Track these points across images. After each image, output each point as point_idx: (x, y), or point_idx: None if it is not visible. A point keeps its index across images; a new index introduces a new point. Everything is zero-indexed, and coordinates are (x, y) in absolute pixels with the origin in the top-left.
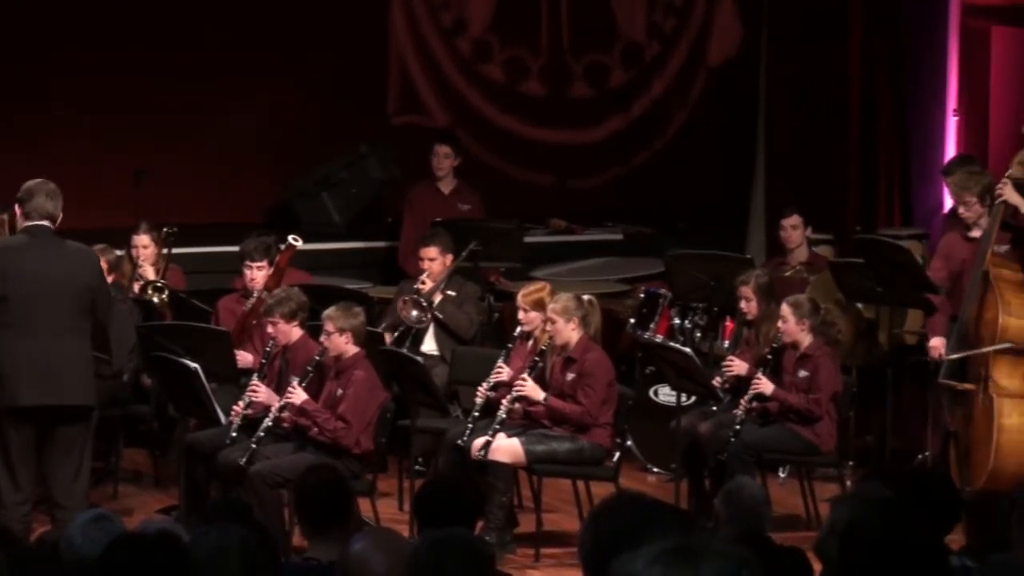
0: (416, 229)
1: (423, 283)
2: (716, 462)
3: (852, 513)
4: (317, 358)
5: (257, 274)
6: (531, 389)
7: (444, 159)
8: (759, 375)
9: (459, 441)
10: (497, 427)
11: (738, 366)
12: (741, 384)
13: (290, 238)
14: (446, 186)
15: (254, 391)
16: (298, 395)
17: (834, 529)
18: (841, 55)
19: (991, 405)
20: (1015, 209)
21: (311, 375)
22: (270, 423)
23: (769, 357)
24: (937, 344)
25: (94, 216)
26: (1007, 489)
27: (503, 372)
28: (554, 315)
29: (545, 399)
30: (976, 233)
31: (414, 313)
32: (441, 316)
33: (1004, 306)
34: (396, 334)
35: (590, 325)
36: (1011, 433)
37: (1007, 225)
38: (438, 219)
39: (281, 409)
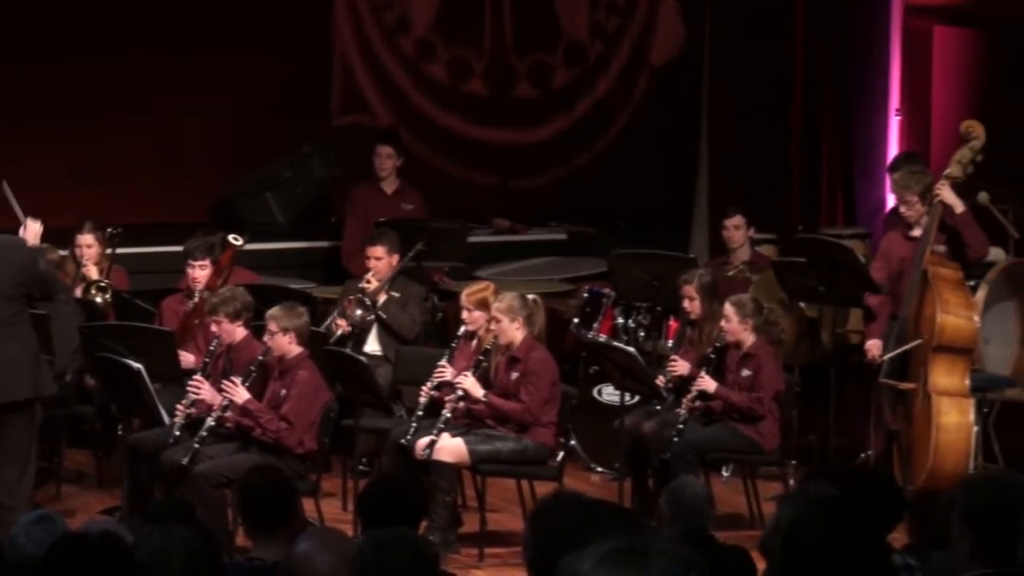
0: (359, 229)
1: (368, 282)
2: (659, 461)
3: (796, 511)
4: (260, 358)
5: (199, 274)
6: (471, 385)
7: (387, 160)
8: (702, 374)
9: (403, 441)
10: (441, 426)
11: (681, 365)
12: (685, 383)
13: (231, 237)
14: (389, 186)
15: (197, 389)
16: (241, 395)
17: (779, 527)
18: (784, 55)
19: (930, 404)
20: (951, 208)
21: (254, 375)
22: (213, 423)
23: (712, 356)
24: (871, 347)
25: (37, 216)
26: (946, 487)
27: (446, 371)
28: (498, 314)
29: (485, 396)
30: (917, 232)
31: (358, 312)
32: (385, 316)
33: (942, 304)
34: (340, 333)
35: (534, 324)
36: (949, 432)
37: (944, 225)
38: (381, 219)
39: (224, 409)
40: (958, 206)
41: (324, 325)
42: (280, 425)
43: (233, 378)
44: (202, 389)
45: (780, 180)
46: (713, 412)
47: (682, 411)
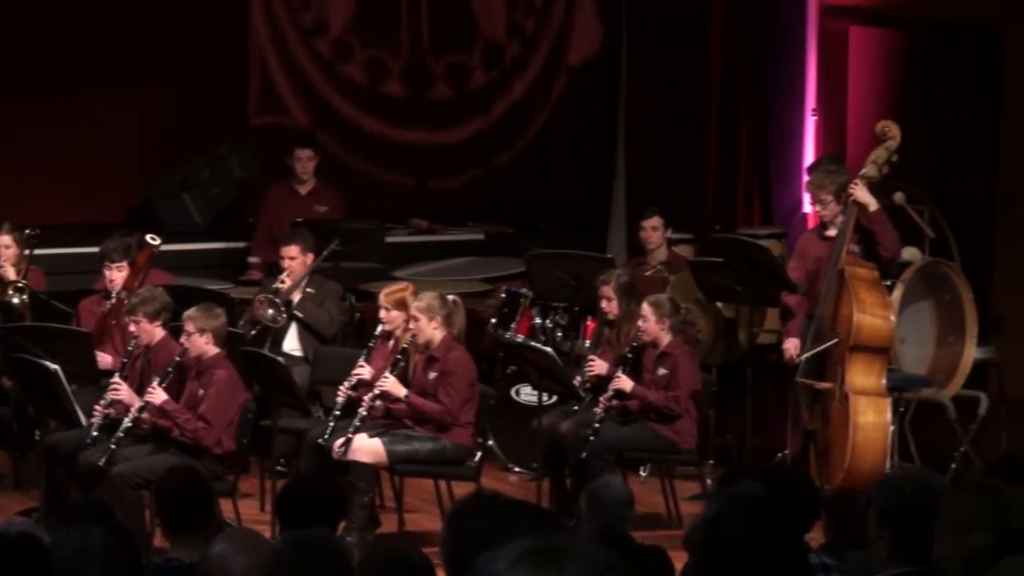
0: (270, 228)
1: (282, 282)
2: (577, 461)
3: (715, 509)
4: (177, 359)
5: (117, 275)
6: (392, 385)
7: (308, 162)
8: (619, 373)
9: (320, 441)
10: (357, 425)
11: (599, 365)
12: (602, 383)
13: (147, 237)
14: (304, 187)
15: (115, 390)
16: (158, 395)
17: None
18: (701, 55)
19: (847, 403)
20: (865, 207)
21: (171, 375)
22: (130, 424)
23: (629, 356)
24: (790, 346)
25: None
26: (864, 487)
27: (364, 370)
28: (417, 313)
29: (406, 396)
30: (832, 232)
31: (270, 312)
32: (301, 315)
33: (858, 304)
34: (254, 332)
35: (454, 324)
36: (866, 431)
37: (858, 224)
38: (298, 219)
39: (141, 410)
40: (872, 204)
41: (240, 324)
42: (197, 425)
43: (153, 379)
44: (120, 390)
45: (697, 180)
46: (630, 412)
47: (599, 411)
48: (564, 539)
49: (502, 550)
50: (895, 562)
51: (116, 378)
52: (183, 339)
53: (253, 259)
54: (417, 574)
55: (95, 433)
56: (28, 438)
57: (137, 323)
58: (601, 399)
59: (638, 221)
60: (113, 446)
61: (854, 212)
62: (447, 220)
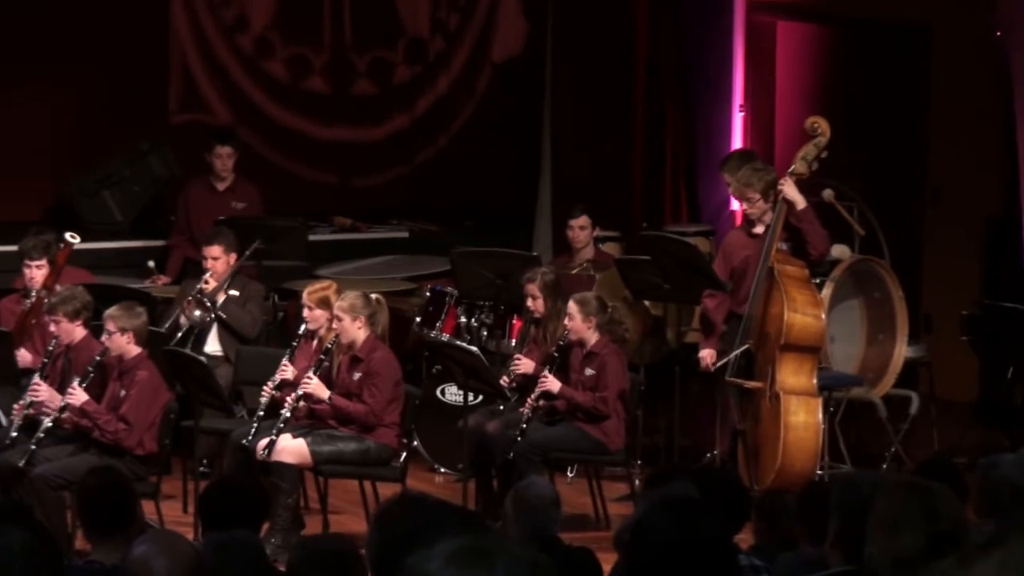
0: (189, 227)
1: (206, 282)
2: (504, 461)
3: (645, 510)
4: (98, 358)
5: (36, 273)
6: (316, 387)
7: (228, 159)
8: (545, 373)
9: (244, 442)
10: (281, 426)
11: (525, 364)
12: (529, 383)
13: (67, 235)
14: (223, 183)
15: (36, 390)
16: (78, 396)
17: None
18: (627, 51)
19: (778, 403)
20: (794, 205)
21: (92, 375)
22: (50, 424)
23: (556, 355)
24: (705, 356)
25: None
26: (795, 487)
27: (287, 370)
28: (340, 313)
29: (330, 398)
30: (759, 229)
31: (197, 313)
32: (224, 316)
33: (789, 302)
34: (180, 334)
35: (377, 324)
36: (797, 431)
37: (786, 222)
38: (220, 217)
39: (62, 410)
40: (800, 202)
41: (165, 326)
42: (119, 426)
43: (73, 380)
44: (41, 391)
45: (624, 177)
46: (557, 411)
47: (526, 411)
48: (494, 539)
49: (432, 550)
50: (835, 560)
51: (36, 378)
52: (104, 338)
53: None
54: (347, 565)
55: (14, 434)
56: None
57: (57, 323)
58: (528, 399)
59: (565, 219)
60: (33, 447)
61: (783, 210)
62: (371, 218)
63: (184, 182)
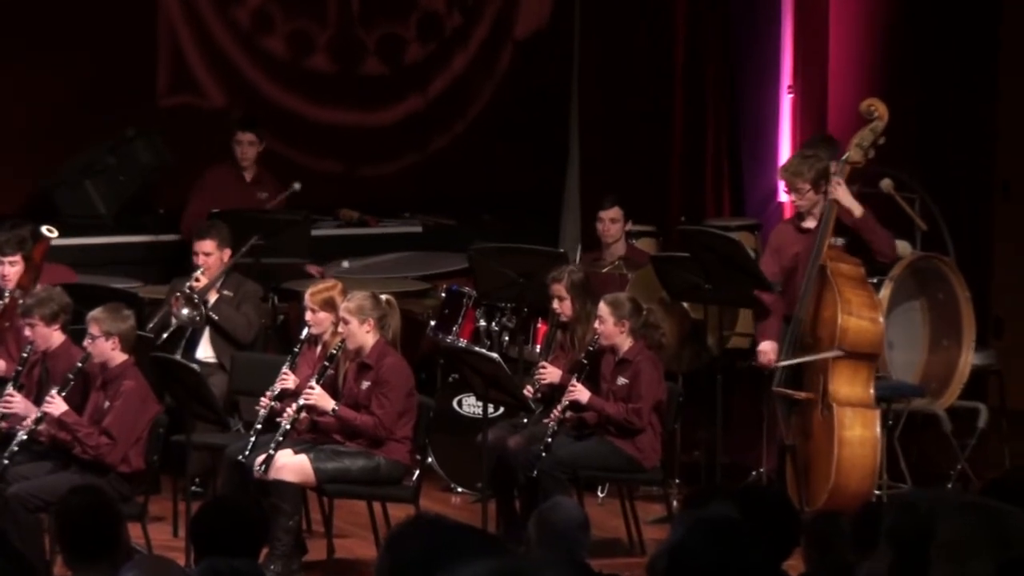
0: (206, 209)
1: (197, 279)
2: (527, 480)
3: (683, 533)
4: (79, 365)
5: (9, 270)
6: (319, 397)
7: (249, 147)
8: (573, 382)
9: (240, 458)
10: (280, 440)
11: (551, 373)
12: (555, 393)
13: (44, 229)
14: (249, 174)
15: (9, 402)
16: (57, 406)
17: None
18: (663, 27)
19: (831, 416)
20: (849, 210)
21: (72, 384)
22: (24, 437)
23: (585, 362)
24: (767, 349)
25: None
26: (849, 509)
27: (288, 379)
28: (347, 315)
29: (335, 409)
30: (810, 223)
31: (185, 311)
32: (216, 317)
33: (843, 304)
34: (167, 335)
35: (387, 328)
36: (852, 447)
37: (843, 228)
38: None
39: (38, 421)
40: (856, 209)
41: (150, 326)
42: (101, 440)
43: (51, 389)
44: (15, 402)
45: (660, 166)
46: (587, 425)
47: (551, 423)
48: (526, 564)
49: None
50: None
51: (10, 388)
52: (86, 343)
53: None
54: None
55: None
56: None
57: (32, 326)
58: (554, 411)
59: (594, 212)
60: (6, 462)
61: (834, 208)
62: (380, 211)
63: (180, 171)
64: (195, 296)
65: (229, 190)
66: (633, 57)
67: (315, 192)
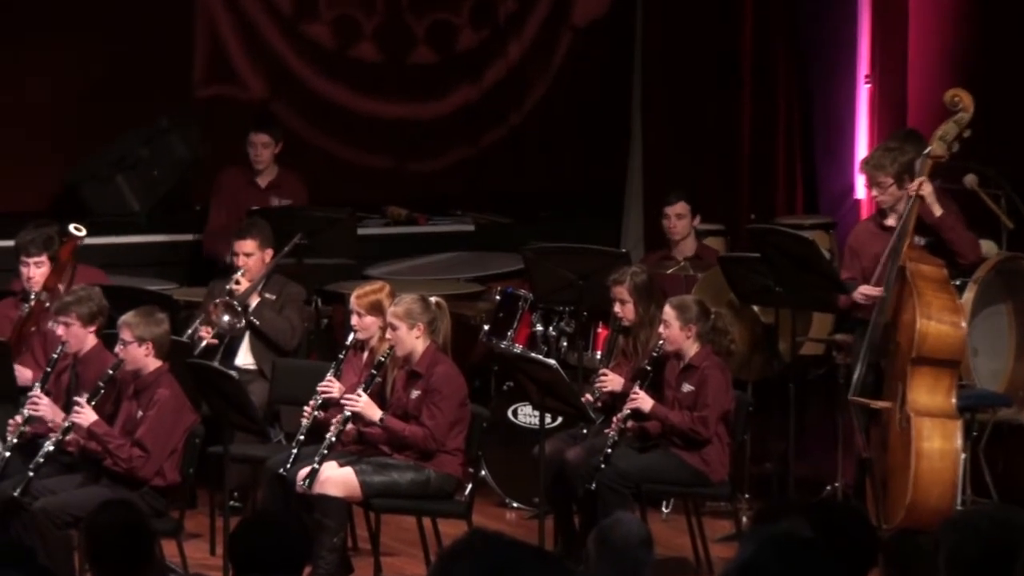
0: (224, 217)
1: (238, 283)
2: (586, 494)
3: (753, 552)
4: (110, 372)
5: (36, 271)
6: (366, 406)
7: (263, 149)
8: (636, 389)
9: (281, 471)
10: (325, 452)
11: (612, 380)
12: (616, 402)
13: (72, 227)
14: (263, 178)
15: (35, 404)
16: (86, 414)
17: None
18: (731, 13)
19: (909, 426)
20: (929, 209)
21: (103, 392)
22: (51, 448)
23: (648, 369)
24: (869, 290)
25: None
26: (930, 526)
27: (332, 388)
28: (395, 320)
29: (382, 419)
30: (892, 221)
31: (226, 318)
32: (258, 323)
33: (923, 308)
34: (204, 344)
35: (438, 333)
36: (932, 460)
37: (926, 227)
38: (252, 208)
39: (65, 431)
40: (936, 209)
41: (187, 334)
42: (134, 452)
43: (80, 396)
44: (41, 405)
45: (728, 160)
46: (650, 435)
47: (612, 434)
48: None
49: None
50: None
51: (36, 390)
52: (118, 349)
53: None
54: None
55: (7, 454)
56: None
57: (68, 326)
58: (615, 420)
59: (658, 209)
60: (31, 474)
61: (916, 205)
62: (430, 208)
63: (212, 165)
64: (235, 303)
65: (240, 196)
66: (698, 44)
67: (361, 189)
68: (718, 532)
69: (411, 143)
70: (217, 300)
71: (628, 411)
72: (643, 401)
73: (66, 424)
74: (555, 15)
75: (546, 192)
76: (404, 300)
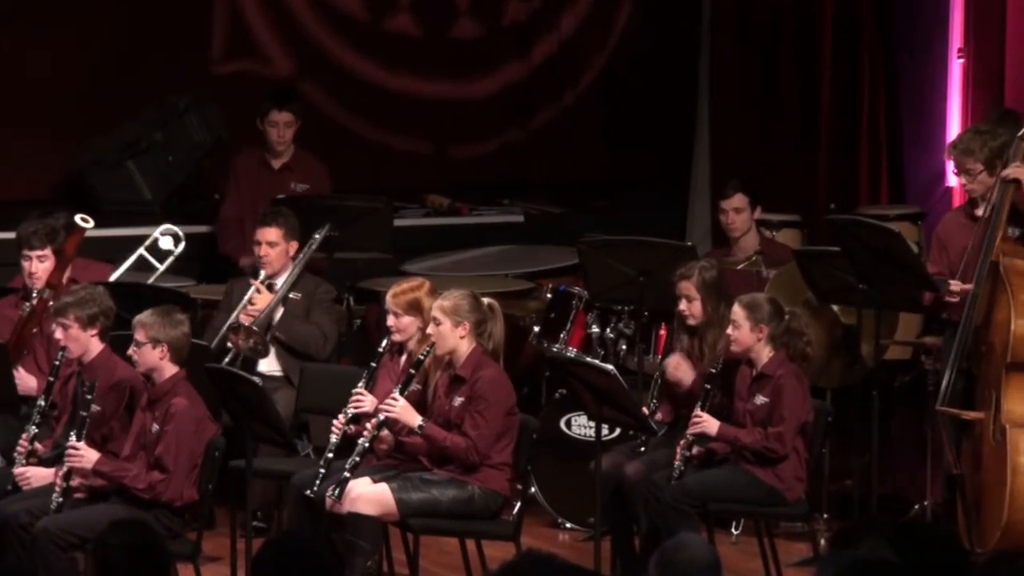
0: (238, 207)
1: (253, 302)
2: (648, 514)
3: None
4: (88, 398)
5: (38, 266)
6: (404, 411)
7: (286, 129)
8: (698, 411)
9: (309, 492)
10: (357, 460)
11: (678, 365)
12: (681, 402)
13: (78, 218)
14: (278, 159)
15: (72, 456)
16: (86, 456)
17: None
18: None
19: (1004, 439)
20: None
21: (94, 412)
22: (60, 499)
23: (712, 372)
24: (957, 287)
25: None
26: None
27: (365, 401)
28: (439, 314)
29: (421, 426)
30: (983, 211)
31: (250, 343)
32: (284, 338)
33: (1018, 307)
34: (228, 358)
35: (486, 336)
36: None
37: (1019, 216)
38: (278, 196)
39: (68, 476)
40: None
41: (215, 342)
42: (152, 477)
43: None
44: (80, 454)
45: (806, 144)
46: (716, 452)
47: (677, 462)
48: None
49: None
50: None
51: (74, 440)
52: (131, 351)
53: (244, 260)
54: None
55: (15, 469)
56: None
57: (66, 328)
58: (679, 448)
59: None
60: (57, 504)
61: (1009, 193)
62: (475, 197)
63: (230, 151)
64: (255, 326)
65: (254, 181)
66: (773, 18)
67: (398, 175)
68: (793, 556)
69: (453, 125)
70: (239, 323)
71: (691, 436)
72: (708, 424)
73: (64, 470)
74: None
75: (603, 179)
76: (453, 294)
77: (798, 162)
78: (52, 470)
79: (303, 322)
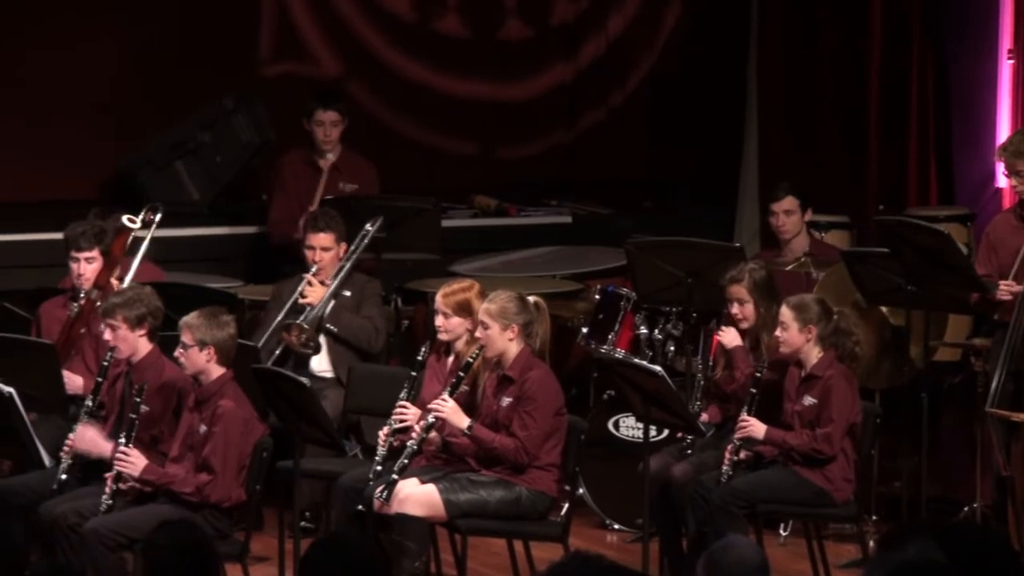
0: (287, 208)
1: (304, 296)
2: (696, 515)
3: None
4: (137, 400)
5: (86, 267)
6: (452, 412)
7: (332, 128)
8: (744, 415)
9: (361, 507)
10: (405, 462)
11: (730, 335)
12: (730, 399)
13: (124, 219)
14: (325, 160)
15: (123, 460)
16: (134, 462)
17: None
18: None
19: None
20: None
21: (137, 422)
22: (110, 501)
23: (758, 375)
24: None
25: None
26: None
27: (408, 413)
28: (487, 318)
29: (469, 427)
30: None
31: (304, 337)
32: (336, 329)
33: None
34: (278, 352)
35: (534, 336)
36: None
37: None
38: (326, 197)
39: (117, 480)
40: None
41: (262, 341)
42: (200, 479)
43: (120, 439)
44: (131, 459)
45: (854, 145)
46: (763, 455)
47: (725, 467)
48: None
49: None
50: None
51: (123, 443)
52: (177, 352)
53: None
54: None
55: (63, 477)
56: None
57: (114, 329)
58: (727, 452)
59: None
60: (106, 505)
61: None
62: (522, 198)
63: (278, 151)
64: (306, 323)
65: (300, 182)
66: (822, 18)
67: (445, 176)
68: (842, 558)
69: (500, 126)
70: (293, 322)
71: (738, 441)
72: (755, 428)
73: (114, 473)
74: None
75: (651, 180)
76: (499, 297)
77: (847, 163)
78: (98, 438)
79: (355, 315)
